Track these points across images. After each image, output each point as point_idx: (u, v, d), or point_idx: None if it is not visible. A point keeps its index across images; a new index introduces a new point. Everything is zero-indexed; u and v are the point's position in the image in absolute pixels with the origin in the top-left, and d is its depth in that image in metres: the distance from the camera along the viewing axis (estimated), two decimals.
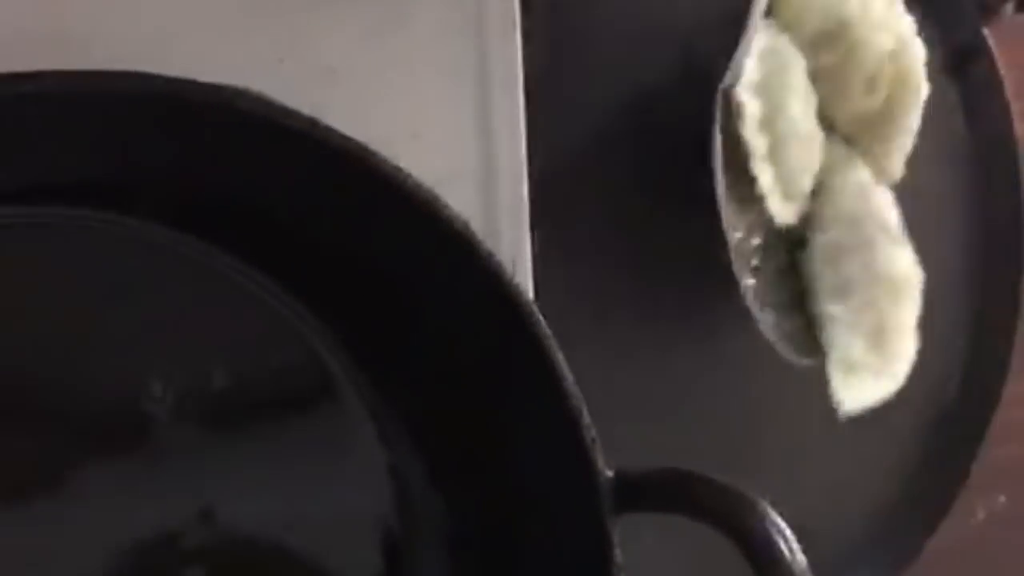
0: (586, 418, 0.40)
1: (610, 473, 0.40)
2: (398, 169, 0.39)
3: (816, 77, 0.58)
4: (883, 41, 0.59)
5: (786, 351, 0.56)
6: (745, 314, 0.55)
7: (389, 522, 0.44)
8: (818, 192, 0.59)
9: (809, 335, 0.59)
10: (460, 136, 0.47)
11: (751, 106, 0.55)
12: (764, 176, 0.55)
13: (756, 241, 0.58)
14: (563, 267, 0.49)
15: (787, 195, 0.57)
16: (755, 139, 0.55)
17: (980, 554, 0.67)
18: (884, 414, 0.63)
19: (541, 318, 0.40)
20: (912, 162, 0.61)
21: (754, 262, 0.57)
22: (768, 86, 0.56)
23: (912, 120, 0.61)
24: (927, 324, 0.61)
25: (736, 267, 0.53)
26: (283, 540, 0.44)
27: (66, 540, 0.41)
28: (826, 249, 0.59)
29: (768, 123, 0.56)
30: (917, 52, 0.60)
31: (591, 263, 0.54)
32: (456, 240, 0.40)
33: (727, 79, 0.54)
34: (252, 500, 0.43)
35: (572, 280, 0.51)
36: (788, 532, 0.38)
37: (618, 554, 0.40)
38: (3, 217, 0.39)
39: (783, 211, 0.57)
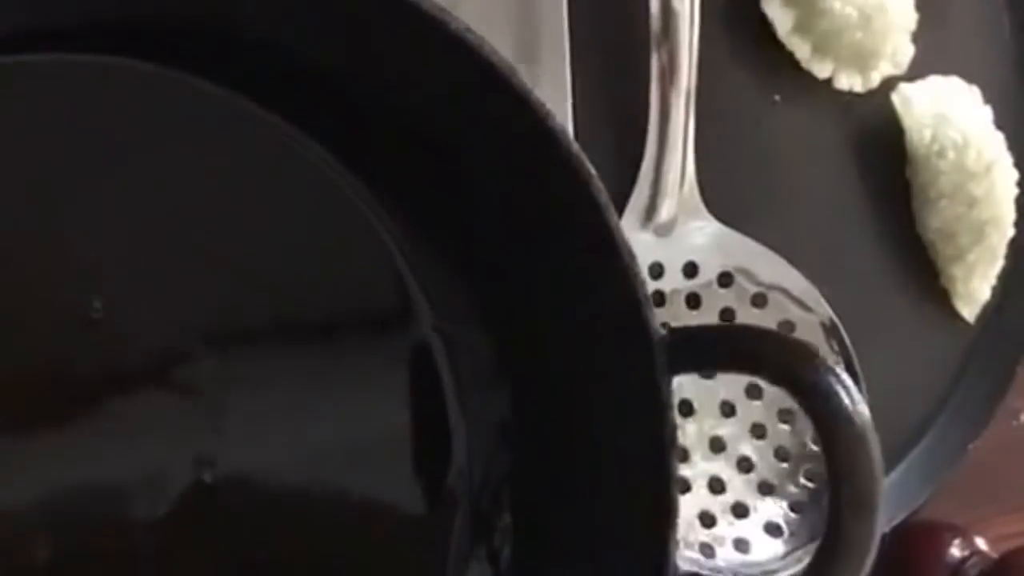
0: (638, 271, 0.39)
1: (663, 331, 0.40)
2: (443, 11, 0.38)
3: None
4: None
5: None
6: None
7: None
8: None
9: None
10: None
11: None
12: None
13: None
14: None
15: None
16: None
17: (1020, 457, 0.66)
18: (927, 321, 0.63)
19: (593, 172, 0.39)
20: None
21: None
22: None
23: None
24: None
25: None
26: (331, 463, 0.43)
27: (95, 470, 0.41)
28: None
29: None
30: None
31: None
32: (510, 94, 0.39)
33: None
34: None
35: None
36: (851, 385, 0.37)
37: (674, 416, 0.39)
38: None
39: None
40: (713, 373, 0.51)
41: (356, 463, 0.42)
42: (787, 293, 0.54)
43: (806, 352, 0.38)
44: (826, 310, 0.55)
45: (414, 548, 0.41)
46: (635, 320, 0.39)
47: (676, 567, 0.35)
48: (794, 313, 0.55)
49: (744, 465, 0.54)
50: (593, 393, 0.41)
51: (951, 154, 0.58)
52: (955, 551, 0.62)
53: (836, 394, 0.37)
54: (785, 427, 0.54)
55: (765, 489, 0.54)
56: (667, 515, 0.36)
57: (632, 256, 0.39)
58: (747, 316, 0.55)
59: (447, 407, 0.43)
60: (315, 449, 0.42)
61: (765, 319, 0.55)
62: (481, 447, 0.43)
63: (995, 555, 0.62)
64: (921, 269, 0.62)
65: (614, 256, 0.39)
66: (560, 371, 0.41)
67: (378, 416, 0.43)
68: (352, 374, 0.43)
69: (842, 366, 0.55)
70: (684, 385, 0.52)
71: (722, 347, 0.39)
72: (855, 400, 0.37)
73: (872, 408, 0.59)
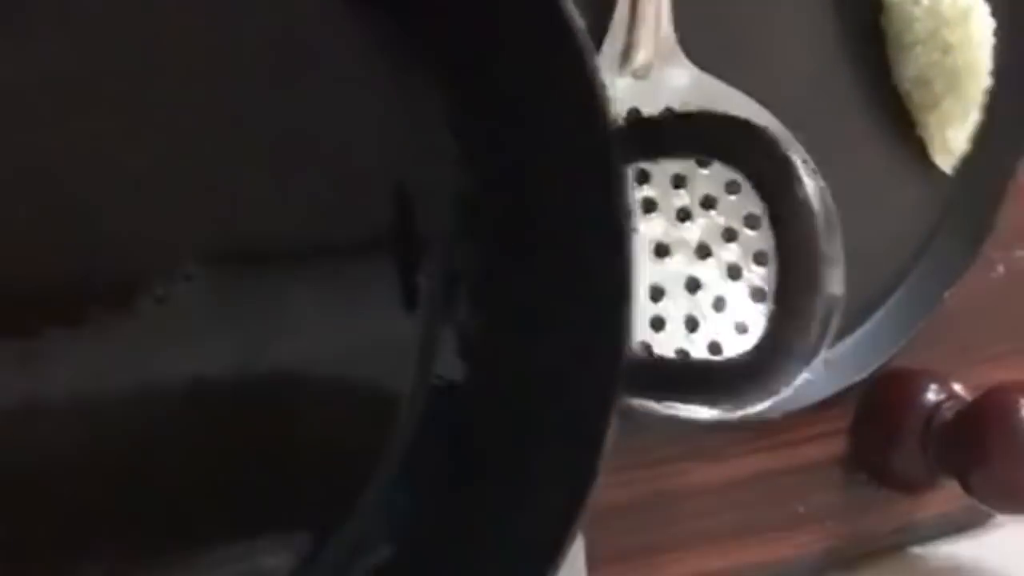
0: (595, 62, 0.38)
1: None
2: None
3: None
4: None
5: None
6: None
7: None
8: None
9: None
10: None
11: None
12: None
13: None
14: None
15: None
16: None
17: (997, 308, 0.68)
18: (904, 171, 0.64)
19: None
20: None
21: None
22: None
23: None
24: None
25: None
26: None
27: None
28: None
29: None
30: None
31: None
32: None
33: None
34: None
35: None
36: (797, 161, 0.37)
37: (630, 202, 0.39)
38: None
39: None
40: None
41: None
42: None
43: (753, 130, 0.38)
44: (803, 153, 0.56)
45: (385, 350, 0.42)
46: (590, 107, 0.39)
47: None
48: None
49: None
50: (548, 176, 0.41)
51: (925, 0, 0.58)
52: (931, 395, 0.64)
53: (783, 169, 0.37)
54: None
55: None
56: (624, 291, 0.36)
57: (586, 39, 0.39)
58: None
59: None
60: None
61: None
62: (442, 229, 0.44)
63: (970, 399, 0.63)
64: (897, 120, 0.63)
65: (564, 33, 0.38)
66: (517, 158, 0.42)
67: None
68: None
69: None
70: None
71: (674, 133, 0.39)
72: (800, 176, 0.37)
73: (849, 257, 0.61)
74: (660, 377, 0.38)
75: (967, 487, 0.62)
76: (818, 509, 0.64)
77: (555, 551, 0.34)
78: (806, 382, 0.60)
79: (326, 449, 0.41)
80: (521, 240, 0.40)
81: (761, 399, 0.37)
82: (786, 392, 0.39)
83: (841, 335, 0.63)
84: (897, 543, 0.67)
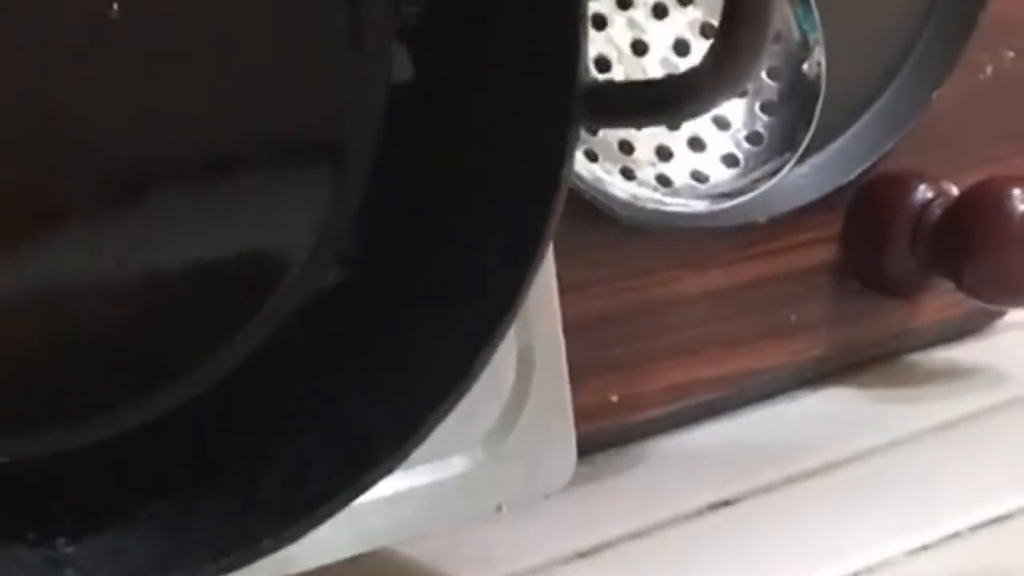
0: None
1: None
2: None
3: None
4: None
5: None
6: None
7: None
8: None
9: None
10: None
11: None
12: None
13: None
14: None
15: None
16: None
17: (986, 110, 0.67)
18: None
19: None
20: None
21: None
22: None
23: None
24: None
25: None
26: None
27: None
28: None
29: None
30: None
31: None
32: None
33: None
34: None
35: None
36: None
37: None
38: None
39: None
40: None
41: None
42: None
43: None
44: None
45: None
46: None
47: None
48: None
49: None
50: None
51: None
52: (920, 195, 0.63)
53: None
54: None
55: None
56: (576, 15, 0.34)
57: None
58: None
59: None
60: None
61: None
62: None
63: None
64: None
65: None
66: None
67: None
68: None
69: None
70: None
71: None
72: None
73: (836, 60, 0.60)
74: (614, 99, 0.37)
75: (959, 282, 0.61)
76: (810, 317, 0.64)
77: (523, 275, 0.34)
78: (792, 185, 0.61)
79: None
80: None
81: (715, 103, 0.35)
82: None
83: (828, 138, 0.63)
84: (895, 349, 0.67)
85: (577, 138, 0.33)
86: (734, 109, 0.56)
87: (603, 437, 0.59)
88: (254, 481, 0.35)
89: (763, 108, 0.56)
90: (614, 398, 0.59)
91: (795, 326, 0.64)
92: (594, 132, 0.49)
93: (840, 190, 0.63)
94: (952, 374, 0.66)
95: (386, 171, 0.38)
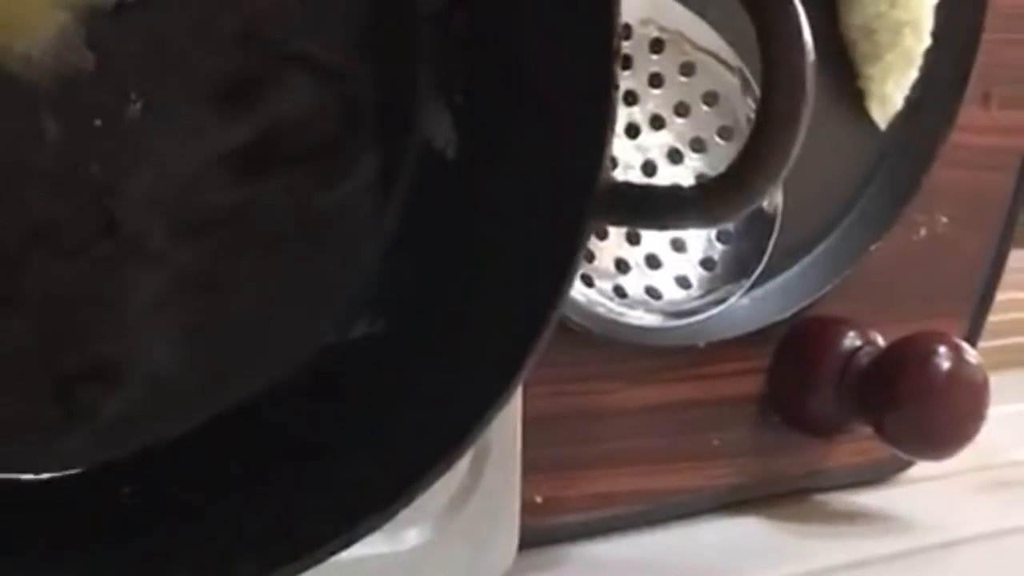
0: None
1: None
2: None
3: None
4: None
5: None
6: None
7: None
8: None
9: None
10: None
11: None
12: None
13: None
14: None
15: None
16: None
17: (917, 269, 0.70)
18: (842, 122, 0.66)
19: None
20: None
21: None
22: None
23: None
24: None
25: None
26: None
27: None
28: None
29: None
30: None
31: None
32: None
33: None
34: None
35: None
36: None
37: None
38: None
39: None
40: None
41: None
42: (717, 57, 0.57)
43: None
44: (753, 85, 0.58)
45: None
46: None
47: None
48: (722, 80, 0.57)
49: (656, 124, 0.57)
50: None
51: None
52: (849, 341, 0.66)
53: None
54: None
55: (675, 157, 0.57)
56: (604, 114, 0.36)
57: None
58: (674, 83, 0.58)
59: None
60: None
61: (693, 87, 0.58)
62: None
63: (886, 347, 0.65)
64: (841, 70, 0.65)
65: None
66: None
67: None
68: None
69: None
70: None
71: None
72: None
73: (787, 202, 0.63)
74: (631, 200, 0.38)
75: (881, 431, 0.64)
76: (732, 444, 0.66)
77: (523, 352, 0.35)
78: (731, 315, 0.63)
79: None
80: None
81: (733, 216, 0.37)
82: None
83: (769, 275, 0.65)
84: (807, 486, 0.69)
85: (590, 232, 0.35)
86: (691, 234, 0.58)
87: (525, 537, 0.60)
88: (240, 523, 0.36)
89: (719, 237, 0.58)
90: (539, 499, 0.60)
91: (716, 451, 0.66)
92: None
93: (774, 325, 0.66)
94: (860, 517, 0.68)
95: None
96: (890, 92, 0.65)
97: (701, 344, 0.62)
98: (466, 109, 0.40)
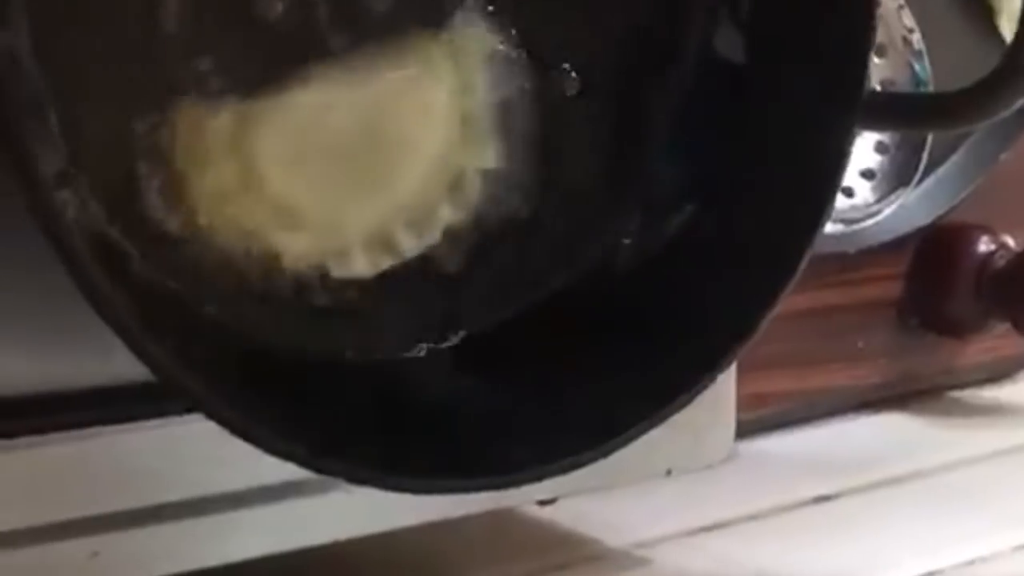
0: None
1: None
2: None
3: None
4: None
5: None
6: None
7: None
8: None
9: None
10: None
11: None
12: None
13: None
14: None
15: None
16: None
17: None
18: (970, 43, 0.69)
19: None
20: None
21: None
22: None
23: None
24: None
25: None
26: None
27: None
28: None
29: None
30: None
31: None
32: None
33: None
34: None
35: None
36: None
37: None
38: None
39: None
40: None
41: None
42: None
43: None
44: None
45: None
46: None
47: None
48: None
49: None
50: None
51: None
52: (984, 246, 0.69)
53: None
54: None
55: None
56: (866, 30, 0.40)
57: None
58: None
59: None
60: None
61: None
62: None
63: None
64: None
65: None
66: None
67: None
68: None
69: None
70: None
71: None
72: None
73: None
74: (898, 107, 0.42)
75: (1018, 325, 0.68)
76: (875, 346, 0.70)
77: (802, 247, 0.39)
78: (876, 223, 0.67)
79: None
80: None
81: (989, 118, 0.41)
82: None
83: (905, 184, 0.69)
84: (940, 384, 0.73)
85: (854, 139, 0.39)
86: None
87: None
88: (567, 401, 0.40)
89: (877, 148, 0.62)
90: None
91: (861, 353, 0.70)
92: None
93: (913, 233, 0.69)
94: (992, 411, 0.72)
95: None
96: (1017, 8, 0.67)
97: (852, 251, 0.66)
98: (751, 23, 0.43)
